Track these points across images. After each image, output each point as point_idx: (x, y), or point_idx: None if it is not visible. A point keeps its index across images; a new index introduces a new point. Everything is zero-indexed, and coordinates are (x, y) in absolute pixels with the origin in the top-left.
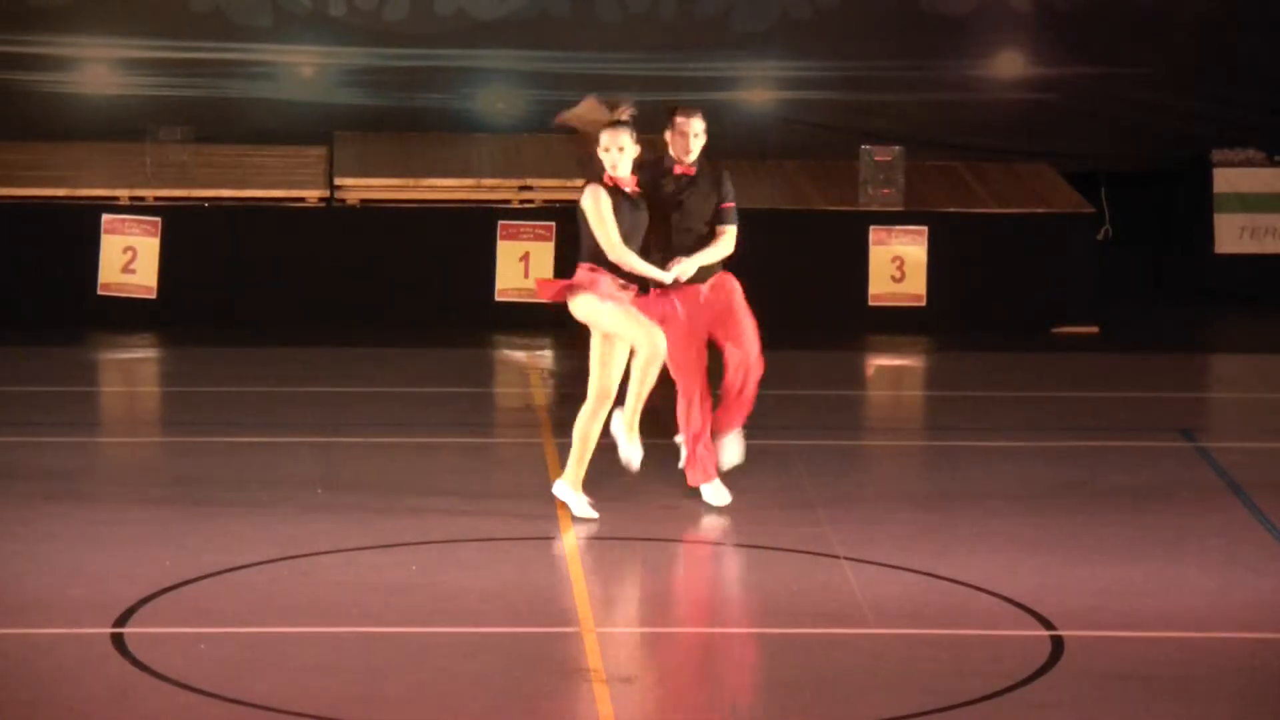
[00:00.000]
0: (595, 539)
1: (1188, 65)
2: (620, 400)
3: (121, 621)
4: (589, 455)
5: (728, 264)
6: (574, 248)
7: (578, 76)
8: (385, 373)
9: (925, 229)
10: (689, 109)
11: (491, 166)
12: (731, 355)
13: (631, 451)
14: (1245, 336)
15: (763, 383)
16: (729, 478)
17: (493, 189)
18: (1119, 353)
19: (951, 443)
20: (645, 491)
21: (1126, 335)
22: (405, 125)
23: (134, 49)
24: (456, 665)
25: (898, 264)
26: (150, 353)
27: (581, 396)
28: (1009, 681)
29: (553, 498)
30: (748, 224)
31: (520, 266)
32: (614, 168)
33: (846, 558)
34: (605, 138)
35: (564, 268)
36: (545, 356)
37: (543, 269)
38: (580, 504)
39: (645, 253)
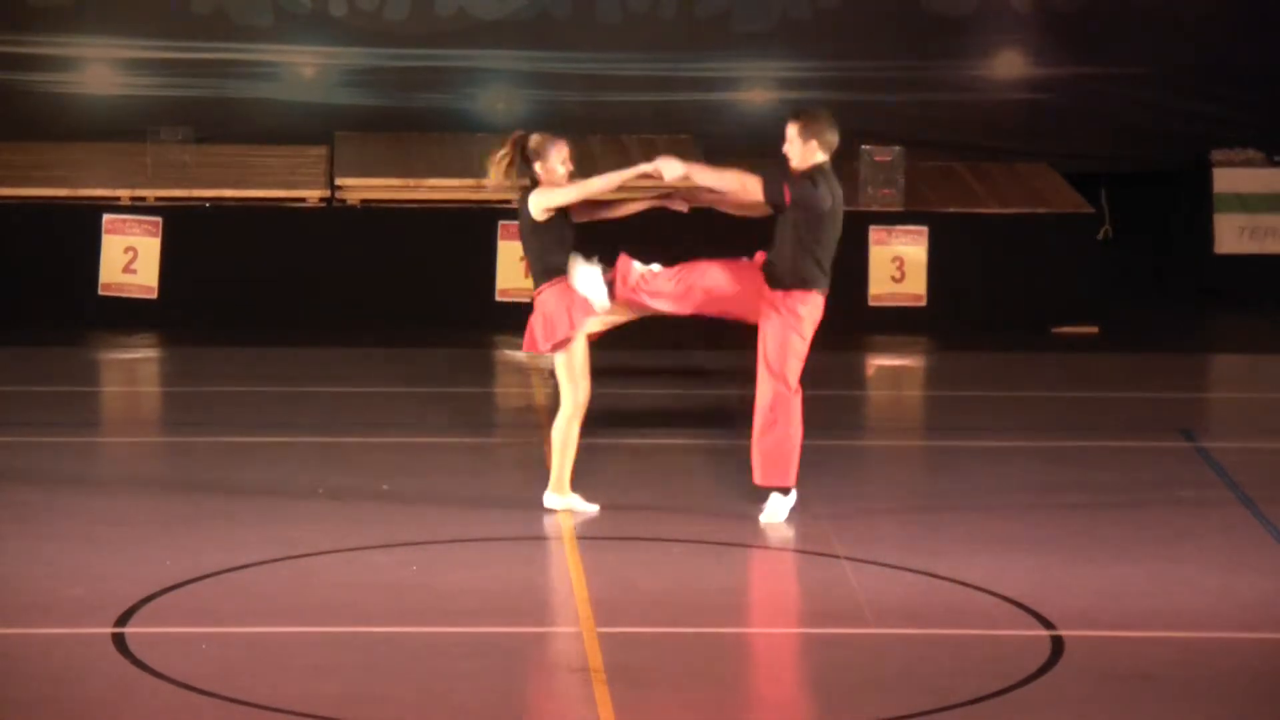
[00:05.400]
0: (595, 539)
1: (1188, 65)
2: None
3: (122, 621)
4: (571, 459)
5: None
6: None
7: (578, 76)
8: (385, 373)
9: (925, 229)
10: (792, 114)
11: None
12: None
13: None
14: (1245, 336)
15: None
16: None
17: (493, 189)
18: (1119, 353)
19: (951, 443)
20: (646, 492)
21: (1126, 335)
22: (405, 125)
23: (135, 49)
24: (456, 665)
25: (898, 264)
26: (150, 353)
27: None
28: (1009, 681)
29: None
30: (747, 225)
31: (520, 266)
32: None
33: (846, 558)
34: (562, 152)
35: None
36: (545, 356)
37: None
38: (577, 503)
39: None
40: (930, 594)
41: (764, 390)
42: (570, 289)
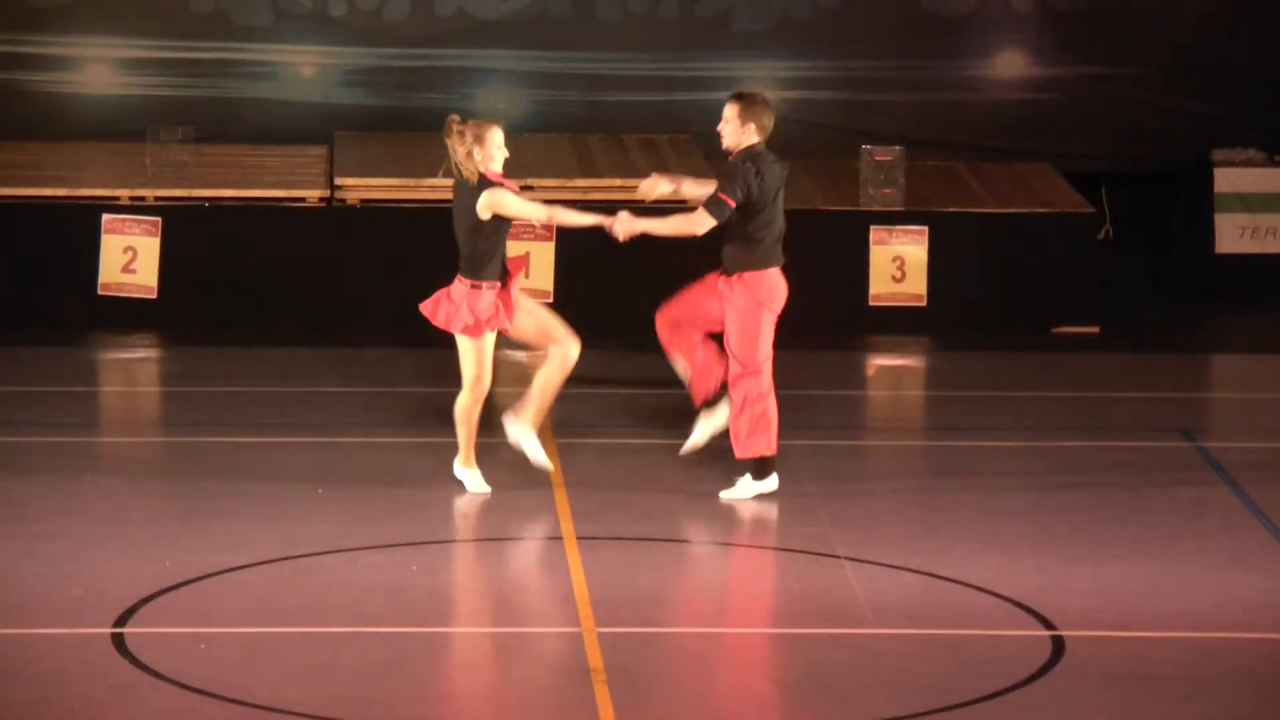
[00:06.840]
0: (595, 539)
1: (1188, 65)
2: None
3: (121, 621)
4: (473, 435)
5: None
6: (572, 247)
7: (578, 76)
8: (385, 373)
9: (925, 229)
10: (732, 95)
11: None
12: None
13: (540, 452)
14: (1245, 336)
15: None
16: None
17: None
18: (1119, 353)
19: (951, 443)
20: (644, 491)
21: (1126, 335)
22: (405, 125)
23: (134, 49)
24: (456, 665)
25: (898, 264)
26: (150, 353)
27: (585, 398)
28: (1009, 681)
29: (550, 497)
30: None
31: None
32: (500, 164)
33: (846, 558)
34: (499, 135)
35: (564, 267)
36: (546, 356)
37: (543, 268)
38: (473, 480)
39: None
40: (930, 594)
41: (731, 371)
42: (480, 296)
